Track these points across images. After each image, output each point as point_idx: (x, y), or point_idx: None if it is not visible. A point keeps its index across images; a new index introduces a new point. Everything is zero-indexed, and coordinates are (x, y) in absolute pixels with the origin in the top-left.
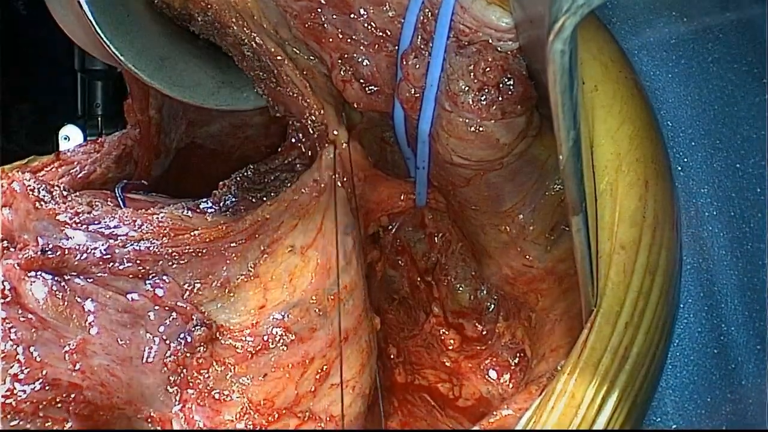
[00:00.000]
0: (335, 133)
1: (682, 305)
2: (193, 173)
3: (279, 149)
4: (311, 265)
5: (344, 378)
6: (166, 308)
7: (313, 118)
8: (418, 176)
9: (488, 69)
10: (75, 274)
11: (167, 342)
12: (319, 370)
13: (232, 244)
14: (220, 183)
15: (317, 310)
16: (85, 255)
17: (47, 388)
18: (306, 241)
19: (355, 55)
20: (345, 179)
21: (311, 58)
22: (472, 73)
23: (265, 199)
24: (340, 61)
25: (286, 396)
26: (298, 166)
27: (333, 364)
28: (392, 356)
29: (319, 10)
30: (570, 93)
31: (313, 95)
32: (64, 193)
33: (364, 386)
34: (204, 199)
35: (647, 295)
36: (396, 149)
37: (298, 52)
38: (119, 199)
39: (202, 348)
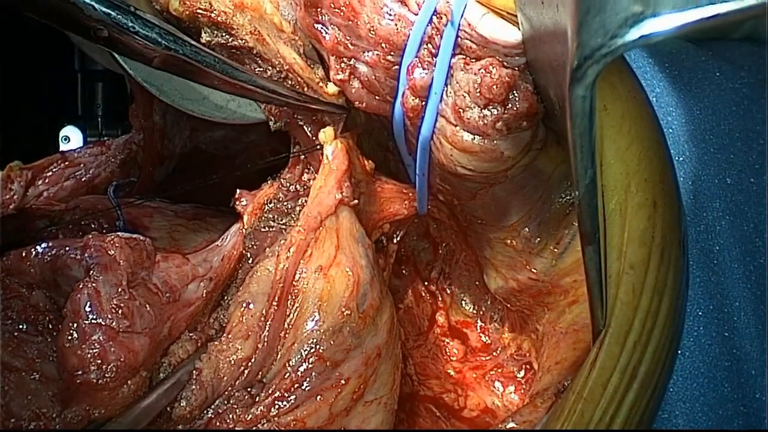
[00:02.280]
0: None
1: (692, 319)
2: (196, 178)
3: (287, 166)
4: (338, 286)
5: (378, 395)
6: None
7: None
8: (418, 183)
9: (494, 86)
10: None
11: None
12: (355, 390)
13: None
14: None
15: (349, 330)
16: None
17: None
18: (326, 261)
19: (353, 59)
20: (346, 194)
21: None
22: (478, 90)
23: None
24: (336, 62)
25: (318, 417)
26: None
27: (368, 382)
28: None
29: (324, 9)
30: (589, 135)
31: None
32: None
33: (394, 402)
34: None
35: (655, 315)
36: (399, 157)
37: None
38: (114, 204)
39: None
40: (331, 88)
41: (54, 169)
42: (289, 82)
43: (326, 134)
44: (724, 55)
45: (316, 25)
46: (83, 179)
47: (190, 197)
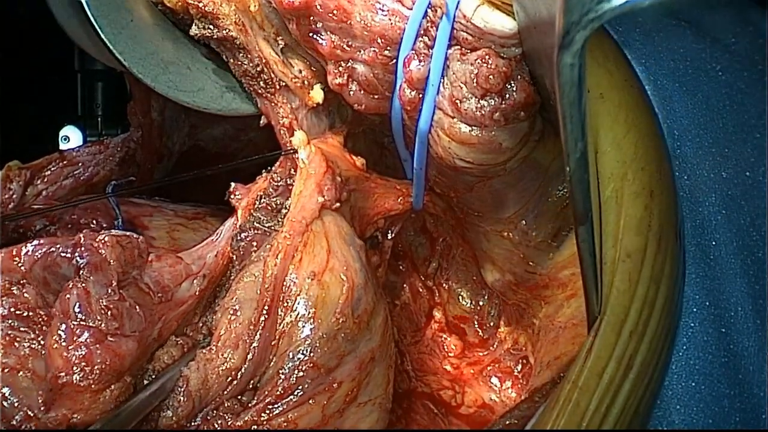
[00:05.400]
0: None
1: (688, 314)
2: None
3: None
4: (333, 292)
5: (372, 396)
6: None
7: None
8: (415, 178)
9: (491, 76)
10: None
11: None
12: (348, 393)
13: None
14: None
15: (344, 336)
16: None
17: None
18: (319, 267)
19: (350, 61)
20: (328, 197)
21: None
22: (474, 81)
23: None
24: (334, 67)
25: (310, 419)
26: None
27: (362, 385)
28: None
29: (316, 17)
30: (578, 105)
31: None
32: None
33: (389, 401)
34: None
35: (652, 305)
36: (395, 154)
37: (296, 57)
38: (113, 204)
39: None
40: (317, 94)
41: (52, 168)
42: (264, 76)
43: (299, 139)
44: (724, 47)
45: (311, 35)
46: (82, 178)
47: (189, 196)
